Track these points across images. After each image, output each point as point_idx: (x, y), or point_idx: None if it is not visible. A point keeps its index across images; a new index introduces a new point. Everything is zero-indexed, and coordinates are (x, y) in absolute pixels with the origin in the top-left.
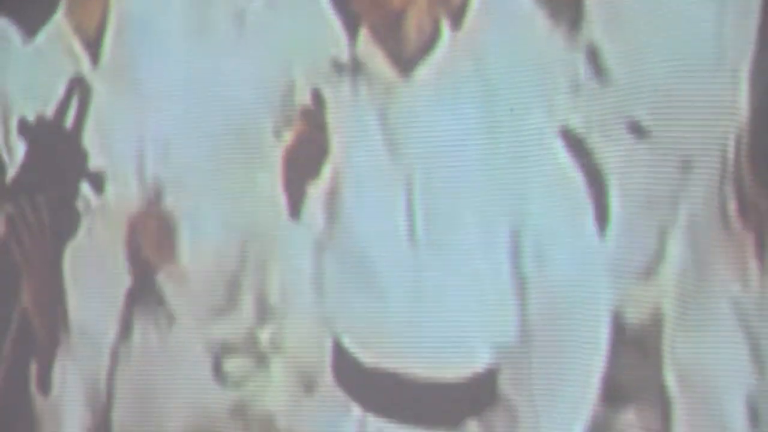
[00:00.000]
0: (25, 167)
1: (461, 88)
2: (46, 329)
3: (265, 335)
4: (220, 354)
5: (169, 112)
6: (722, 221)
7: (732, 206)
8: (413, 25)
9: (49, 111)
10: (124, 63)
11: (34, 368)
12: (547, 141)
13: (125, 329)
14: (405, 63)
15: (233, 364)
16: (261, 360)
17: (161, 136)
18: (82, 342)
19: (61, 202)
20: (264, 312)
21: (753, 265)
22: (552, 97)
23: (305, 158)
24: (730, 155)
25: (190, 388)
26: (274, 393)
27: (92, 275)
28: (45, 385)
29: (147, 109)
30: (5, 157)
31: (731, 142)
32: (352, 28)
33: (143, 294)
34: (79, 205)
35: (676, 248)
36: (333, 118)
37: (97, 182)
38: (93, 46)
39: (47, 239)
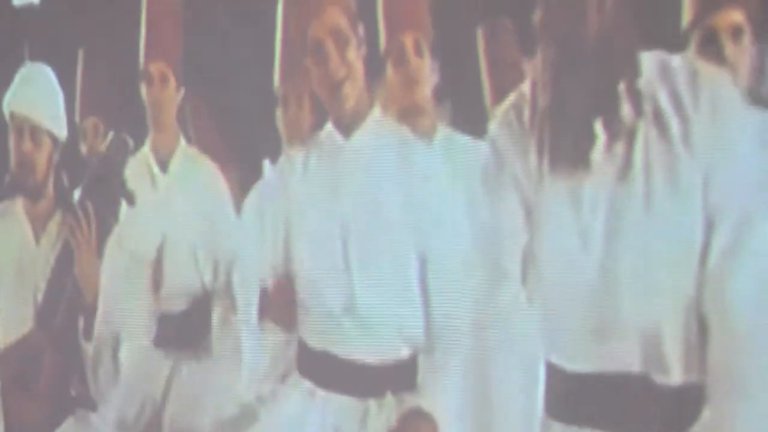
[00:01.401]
0: (84, 189)
1: (385, 150)
2: (90, 296)
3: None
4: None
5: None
6: (518, 126)
7: (526, 114)
8: (352, 96)
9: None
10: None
11: (81, 321)
12: (447, 194)
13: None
14: (345, 128)
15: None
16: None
17: None
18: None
19: (105, 210)
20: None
21: (533, 156)
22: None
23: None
24: (527, 90)
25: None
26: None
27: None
28: (88, 335)
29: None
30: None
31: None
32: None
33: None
34: (119, 212)
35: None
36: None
37: (131, 198)
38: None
39: (93, 234)
